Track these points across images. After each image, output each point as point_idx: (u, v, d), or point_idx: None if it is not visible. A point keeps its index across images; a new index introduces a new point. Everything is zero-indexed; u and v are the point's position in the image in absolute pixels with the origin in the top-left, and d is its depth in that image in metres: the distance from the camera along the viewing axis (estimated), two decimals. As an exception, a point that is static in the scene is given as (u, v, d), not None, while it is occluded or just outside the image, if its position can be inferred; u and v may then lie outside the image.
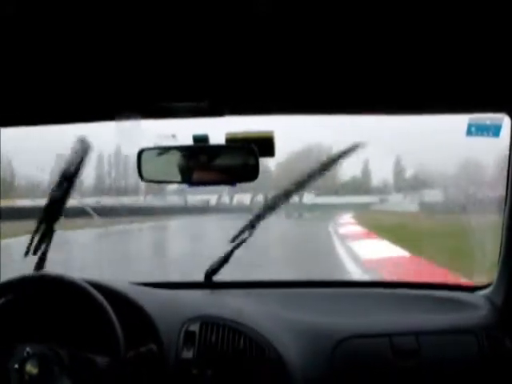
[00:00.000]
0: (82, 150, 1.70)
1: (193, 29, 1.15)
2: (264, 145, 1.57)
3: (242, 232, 1.90)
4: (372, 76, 1.41)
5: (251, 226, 1.90)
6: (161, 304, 1.70)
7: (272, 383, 1.62)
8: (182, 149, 1.60)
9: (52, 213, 1.76)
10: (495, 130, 1.67)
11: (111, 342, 1.44)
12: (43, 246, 1.75)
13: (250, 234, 1.90)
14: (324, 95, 1.54)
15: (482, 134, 1.68)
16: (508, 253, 1.74)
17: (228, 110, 1.57)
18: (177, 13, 1.08)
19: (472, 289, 1.97)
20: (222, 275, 2.00)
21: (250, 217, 1.89)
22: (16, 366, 1.40)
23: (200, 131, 1.58)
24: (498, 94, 1.52)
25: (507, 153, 1.69)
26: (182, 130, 1.63)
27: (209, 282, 2.01)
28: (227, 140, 1.58)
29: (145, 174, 1.57)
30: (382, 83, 1.46)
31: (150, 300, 1.67)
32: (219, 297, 1.93)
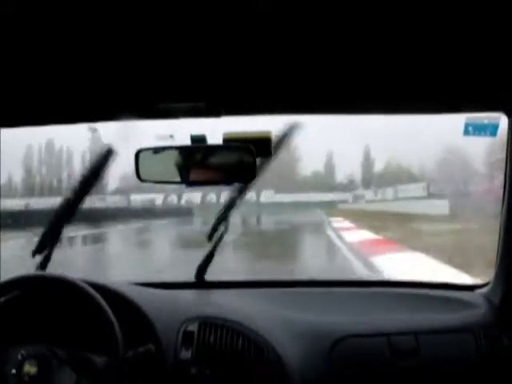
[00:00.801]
0: (107, 155, 1.83)
1: (190, 29, 1.20)
2: (261, 145, 1.64)
3: (216, 227, 2.05)
4: (369, 76, 1.48)
5: (223, 219, 2.05)
6: (159, 304, 1.79)
7: (270, 383, 1.71)
8: (180, 149, 1.67)
9: (65, 215, 1.89)
10: (492, 130, 1.80)
11: (110, 342, 1.51)
12: (49, 247, 1.87)
13: (226, 229, 2.05)
14: (322, 95, 1.62)
15: (479, 134, 1.83)
16: (505, 252, 1.85)
17: (225, 110, 1.65)
18: (174, 13, 1.12)
19: (470, 288, 2.09)
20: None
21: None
22: (13, 370, 1.46)
23: (199, 131, 1.68)
24: (495, 93, 1.61)
25: (504, 152, 1.80)
26: (180, 130, 1.76)
27: (206, 282, 2.10)
28: (225, 140, 1.65)
29: (142, 175, 1.63)
30: (379, 83, 1.54)
31: (148, 300, 1.75)
32: (218, 297, 2.02)
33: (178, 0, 1.11)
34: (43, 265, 1.86)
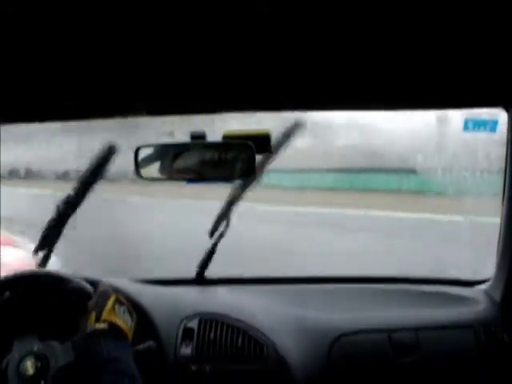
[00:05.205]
0: (108, 154, 1.85)
1: (190, 27, 1.19)
2: (261, 142, 1.65)
3: (217, 224, 2.04)
4: (369, 73, 1.47)
5: (224, 216, 2.03)
6: (159, 301, 1.79)
7: (271, 380, 1.70)
8: (179, 146, 1.66)
9: (65, 214, 1.89)
10: (492, 125, 1.80)
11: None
12: (50, 245, 1.89)
13: (228, 225, 2.04)
14: (323, 92, 1.60)
15: (478, 130, 1.82)
16: (505, 248, 1.85)
17: (224, 107, 1.66)
18: (174, 11, 1.12)
19: (471, 283, 2.08)
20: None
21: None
22: (12, 370, 1.44)
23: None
24: (495, 88, 1.60)
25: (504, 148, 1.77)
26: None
27: (206, 279, 2.11)
28: (224, 137, 1.65)
29: (142, 172, 1.62)
30: (379, 80, 1.52)
31: (148, 297, 1.76)
32: (218, 293, 2.02)
33: None
34: (43, 262, 1.85)
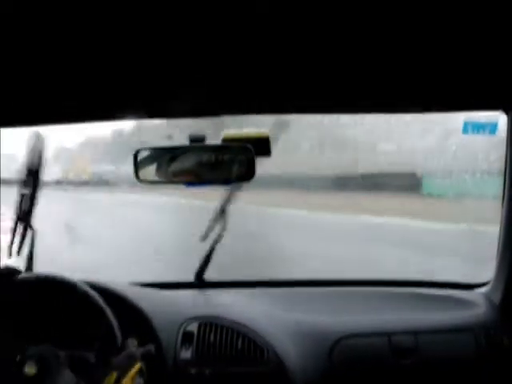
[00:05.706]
0: (38, 144, 1.73)
1: (190, 29, 1.19)
2: (260, 145, 1.66)
3: (212, 227, 2.01)
4: (369, 75, 1.47)
5: (220, 217, 2.01)
6: (159, 304, 1.79)
7: (271, 383, 1.70)
8: (178, 149, 1.66)
9: (26, 211, 1.80)
10: (491, 128, 1.81)
11: (109, 343, 1.51)
12: (27, 246, 1.81)
13: (224, 228, 2.01)
14: (322, 95, 1.60)
15: (478, 132, 1.83)
16: (505, 251, 1.85)
17: (224, 110, 1.65)
18: (174, 13, 1.11)
19: (470, 287, 2.08)
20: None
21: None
22: (13, 370, 1.45)
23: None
24: (495, 91, 1.60)
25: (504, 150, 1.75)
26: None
27: (206, 282, 2.10)
28: (224, 140, 1.67)
29: (141, 175, 1.63)
30: (379, 83, 1.52)
31: (148, 301, 1.75)
32: (217, 297, 2.01)
33: (177, 0, 1.09)
34: (29, 265, 1.83)
